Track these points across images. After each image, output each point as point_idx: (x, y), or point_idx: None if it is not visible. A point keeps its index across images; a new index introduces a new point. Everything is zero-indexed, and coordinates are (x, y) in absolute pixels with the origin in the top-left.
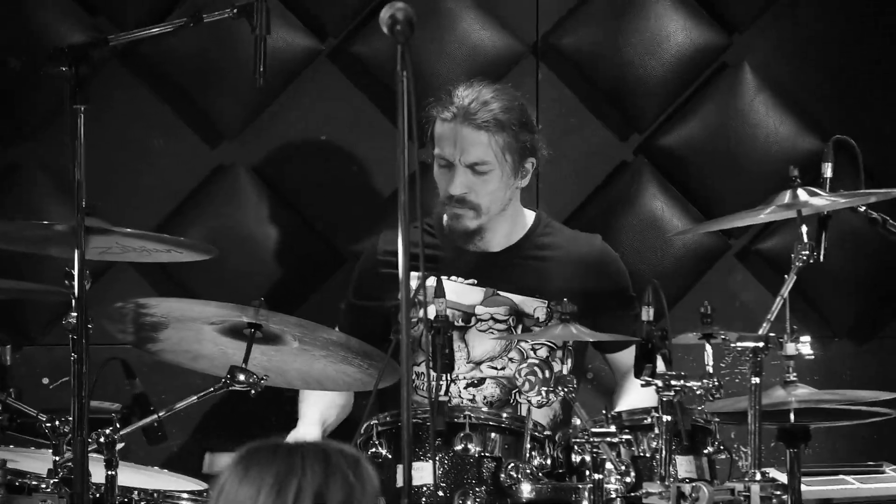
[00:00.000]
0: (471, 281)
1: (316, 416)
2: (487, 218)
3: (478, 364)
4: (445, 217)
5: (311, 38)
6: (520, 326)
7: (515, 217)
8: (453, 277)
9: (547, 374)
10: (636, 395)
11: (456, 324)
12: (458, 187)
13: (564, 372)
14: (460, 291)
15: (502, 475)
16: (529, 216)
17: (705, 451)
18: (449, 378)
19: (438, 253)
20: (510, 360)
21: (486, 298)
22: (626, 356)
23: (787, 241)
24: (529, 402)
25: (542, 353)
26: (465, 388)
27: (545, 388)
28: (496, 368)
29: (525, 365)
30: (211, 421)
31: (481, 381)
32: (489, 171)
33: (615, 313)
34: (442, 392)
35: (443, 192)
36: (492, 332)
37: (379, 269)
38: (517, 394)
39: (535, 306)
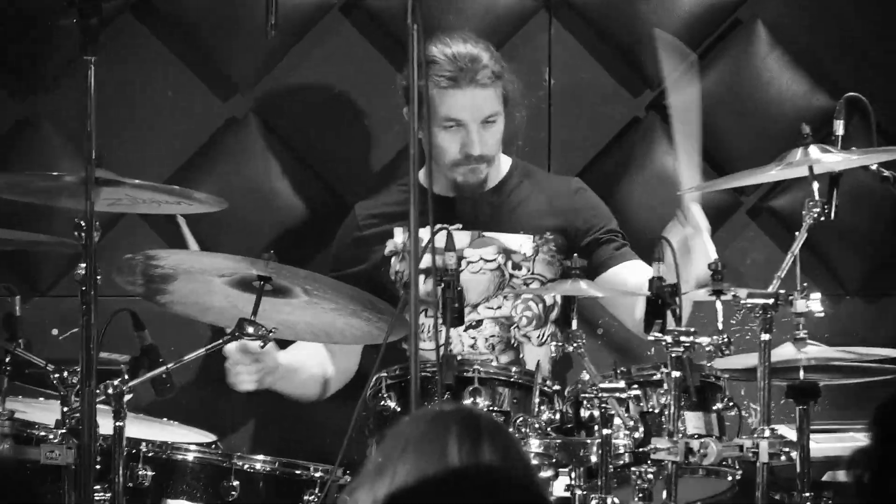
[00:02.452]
0: (456, 226)
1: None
2: (493, 163)
3: (474, 307)
4: (457, 176)
5: None
6: (509, 263)
7: (496, 163)
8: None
9: (541, 307)
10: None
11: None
12: (478, 146)
13: (574, 327)
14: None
15: (511, 429)
16: (506, 161)
17: (714, 408)
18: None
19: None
20: (504, 297)
21: (472, 241)
22: (611, 277)
23: (798, 198)
24: (529, 338)
25: (535, 286)
26: (464, 330)
27: (555, 343)
28: (493, 308)
29: (520, 301)
30: (220, 373)
31: (479, 322)
32: (496, 121)
33: (599, 246)
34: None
35: (455, 153)
36: (483, 273)
37: (358, 234)
38: (516, 329)
39: (520, 242)
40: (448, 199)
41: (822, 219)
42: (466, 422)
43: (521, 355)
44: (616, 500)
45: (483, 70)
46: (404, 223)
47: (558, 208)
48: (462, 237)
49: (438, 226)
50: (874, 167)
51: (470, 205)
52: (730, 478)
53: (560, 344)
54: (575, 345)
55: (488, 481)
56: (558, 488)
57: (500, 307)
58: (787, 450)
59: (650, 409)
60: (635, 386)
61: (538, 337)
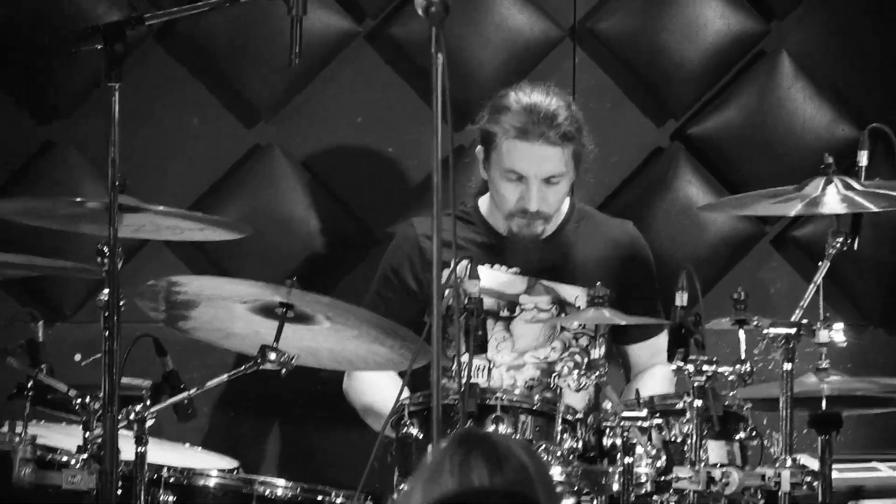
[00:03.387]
0: (514, 269)
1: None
2: (552, 219)
3: (521, 354)
4: (512, 226)
5: (348, 20)
6: (562, 315)
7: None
8: (496, 266)
9: (585, 360)
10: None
11: (501, 313)
12: (536, 202)
13: (596, 356)
14: (504, 280)
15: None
16: (564, 203)
17: (737, 437)
18: (491, 364)
19: (482, 239)
20: (552, 349)
21: (529, 287)
22: (644, 349)
23: (821, 228)
24: (569, 386)
25: (584, 341)
26: (506, 371)
27: (577, 372)
28: (539, 358)
29: (567, 354)
30: (241, 399)
31: (522, 365)
32: (559, 181)
33: (640, 301)
34: (483, 378)
35: (512, 205)
36: (536, 322)
37: (419, 251)
38: (556, 377)
39: (576, 294)
40: (505, 237)
41: (846, 249)
42: (487, 445)
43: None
44: None
45: (556, 128)
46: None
47: (613, 258)
48: (518, 282)
49: (460, 257)
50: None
51: (527, 249)
52: None
53: (582, 373)
54: (597, 374)
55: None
56: None
57: (546, 357)
58: (809, 479)
59: (672, 438)
60: (658, 415)
61: (575, 388)
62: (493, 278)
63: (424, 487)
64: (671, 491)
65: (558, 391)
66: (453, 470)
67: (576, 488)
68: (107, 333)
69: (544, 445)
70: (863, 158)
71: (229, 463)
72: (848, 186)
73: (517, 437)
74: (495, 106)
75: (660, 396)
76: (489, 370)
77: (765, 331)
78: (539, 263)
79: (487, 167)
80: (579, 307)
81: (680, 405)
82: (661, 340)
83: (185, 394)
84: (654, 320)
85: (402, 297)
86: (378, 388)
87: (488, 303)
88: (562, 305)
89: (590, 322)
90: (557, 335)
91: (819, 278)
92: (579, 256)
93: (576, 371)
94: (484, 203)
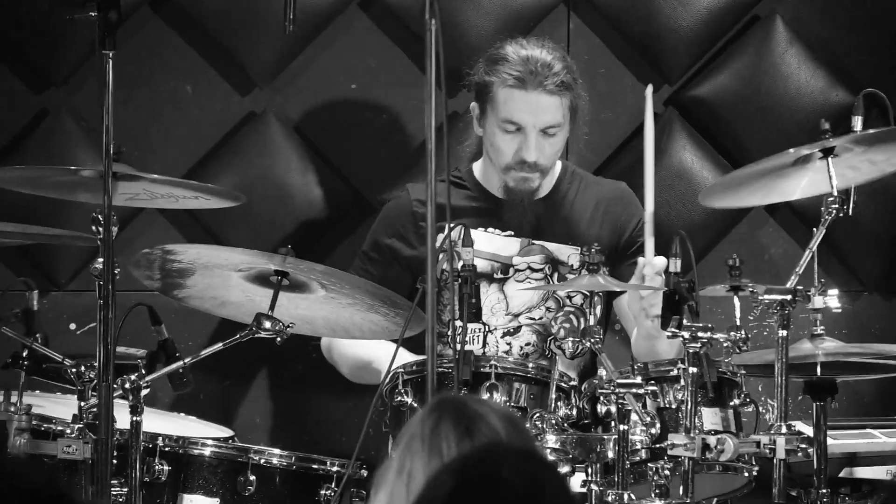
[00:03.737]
0: (508, 232)
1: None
2: (548, 174)
3: (516, 315)
4: (508, 180)
5: None
6: (556, 274)
7: (552, 170)
8: (490, 229)
9: (582, 321)
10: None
11: (495, 276)
12: (534, 153)
13: (591, 323)
14: (498, 243)
15: (528, 425)
16: (556, 165)
17: (731, 404)
18: (486, 328)
19: (477, 204)
20: (547, 309)
21: (522, 249)
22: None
23: None
24: (563, 350)
25: (578, 300)
26: (501, 336)
27: (572, 339)
28: (534, 318)
29: (561, 313)
30: (236, 369)
31: (517, 329)
32: (557, 132)
33: (627, 259)
34: (479, 344)
35: (510, 157)
36: (529, 282)
37: (412, 217)
38: (552, 341)
39: (569, 253)
40: (499, 200)
41: (841, 215)
42: (458, 411)
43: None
44: (632, 495)
45: (553, 77)
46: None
47: (606, 218)
48: (511, 244)
49: (455, 223)
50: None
51: (520, 211)
52: (746, 474)
53: (577, 340)
54: (592, 340)
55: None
56: (575, 484)
57: (541, 318)
58: (804, 446)
59: (667, 405)
60: (652, 382)
61: (570, 353)
62: (488, 242)
63: (403, 457)
64: (666, 458)
65: (553, 358)
66: (424, 437)
67: (570, 456)
68: (101, 302)
69: (539, 413)
70: (857, 124)
71: (224, 432)
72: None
73: (511, 404)
74: (492, 57)
75: (654, 363)
76: (485, 336)
77: (760, 297)
78: (532, 224)
79: (483, 122)
80: (572, 265)
81: (674, 372)
82: None
83: (179, 363)
84: (648, 286)
85: (390, 263)
86: (368, 343)
87: (482, 265)
88: (554, 265)
89: (584, 289)
90: (551, 295)
91: (814, 244)
92: (572, 216)
93: (570, 338)
94: (478, 168)
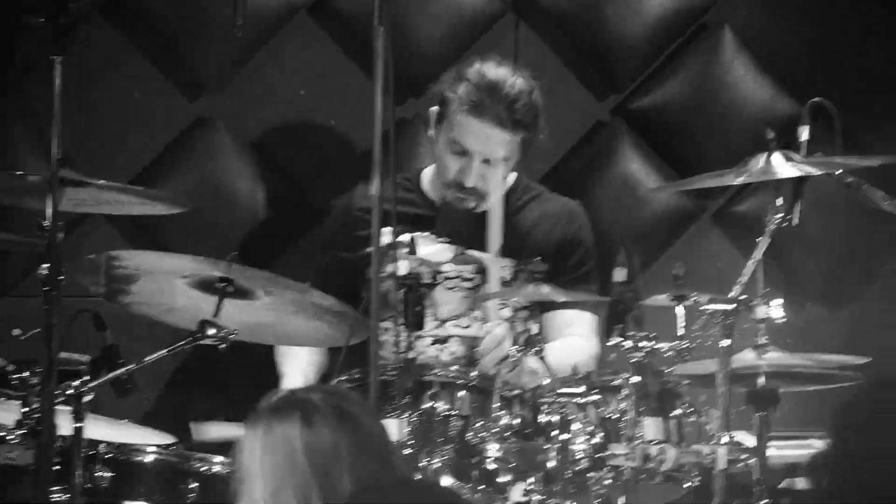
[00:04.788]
0: (444, 239)
1: (298, 371)
2: (487, 198)
3: (443, 322)
4: (447, 195)
5: None
6: (486, 285)
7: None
8: (426, 234)
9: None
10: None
11: (423, 280)
12: (473, 180)
13: (534, 332)
14: (432, 249)
15: (469, 433)
16: (510, 178)
17: (674, 414)
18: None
19: (417, 211)
20: (475, 318)
21: (455, 256)
22: (567, 316)
23: (762, 203)
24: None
25: (506, 312)
26: (430, 344)
27: (515, 347)
28: (461, 327)
29: (489, 324)
30: (183, 375)
31: (446, 339)
32: (504, 164)
33: (570, 265)
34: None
35: (451, 175)
36: (459, 290)
37: (353, 224)
38: (476, 353)
39: (502, 265)
40: (439, 209)
41: (786, 225)
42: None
43: None
44: None
45: (511, 112)
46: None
47: (552, 238)
48: (444, 252)
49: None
50: (838, 173)
51: (457, 221)
52: (687, 484)
53: (522, 348)
54: (537, 349)
55: None
56: (516, 493)
57: (468, 327)
58: (745, 456)
59: (609, 415)
60: (595, 391)
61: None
62: (422, 247)
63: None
64: (607, 467)
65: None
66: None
67: (512, 465)
68: (46, 308)
69: (481, 422)
70: (804, 133)
71: (166, 439)
72: (790, 160)
73: (453, 412)
74: (459, 73)
75: (597, 373)
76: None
77: (703, 307)
78: (469, 234)
79: (437, 130)
80: (504, 277)
81: (617, 381)
82: (580, 315)
83: (123, 369)
84: (591, 296)
85: (333, 268)
86: (289, 362)
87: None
88: (486, 275)
89: (528, 298)
90: (478, 305)
91: (759, 254)
92: (515, 230)
93: (513, 348)
94: (427, 174)
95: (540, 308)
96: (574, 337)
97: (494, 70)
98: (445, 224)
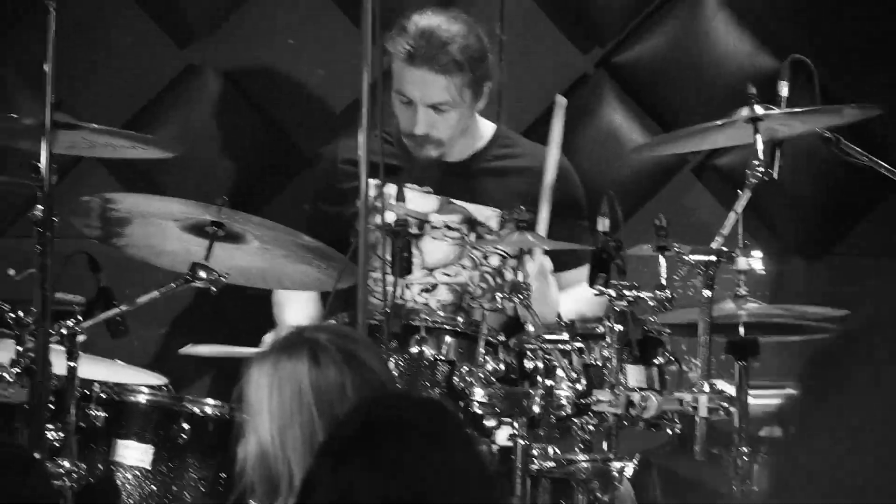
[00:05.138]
0: (426, 189)
1: (294, 318)
2: (449, 146)
3: (431, 270)
4: (408, 142)
5: None
6: (472, 234)
7: (473, 131)
8: (409, 185)
9: (498, 280)
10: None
11: (410, 230)
12: (422, 127)
13: (520, 279)
14: (416, 199)
15: (455, 378)
16: (489, 129)
17: (655, 362)
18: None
19: (397, 163)
20: (463, 266)
21: (440, 206)
22: (572, 276)
23: (742, 157)
24: (481, 306)
25: (494, 260)
26: (418, 293)
27: (500, 294)
28: (449, 275)
29: (476, 273)
30: (173, 317)
31: (434, 286)
32: (449, 109)
33: (566, 223)
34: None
35: (404, 127)
36: (445, 239)
37: (339, 177)
38: (469, 298)
39: (488, 215)
40: (418, 160)
41: (766, 178)
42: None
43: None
44: (557, 450)
45: (443, 55)
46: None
47: (533, 181)
48: (430, 201)
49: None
50: (818, 129)
51: (442, 169)
52: (669, 431)
53: (505, 295)
54: (521, 296)
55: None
56: (501, 437)
57: (456, 274)
58: (725, 405)
59: (593, 362)
60: (578, 339)
61: (490, 307)
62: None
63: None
64: (591, 414)
65: (472, 312)
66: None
67: (497, 410)
68: (40, 249)
69: (467, 367)
70: (783, 89)
71: (158, 379)
72: (770, 112)
73: (439, 357)
74: (398, 25)
75: (580, 320)
76: (401, 290)
77: (685, 257)
78: (453, 183)
79: (387, 85)
80: (491, 227)
81: (600, 329)
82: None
83: (116, 310)
84: (575, 245)
85: (321, 220)
86: (290, 304)
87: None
88: (472, 225)
89: (513, 246)
90: (466, 253)
91: (739, 207)
92: (497, 180)
93: (498, 294)
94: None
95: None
96: (581, 287)
97: (429, 18)
98: (429, 173)
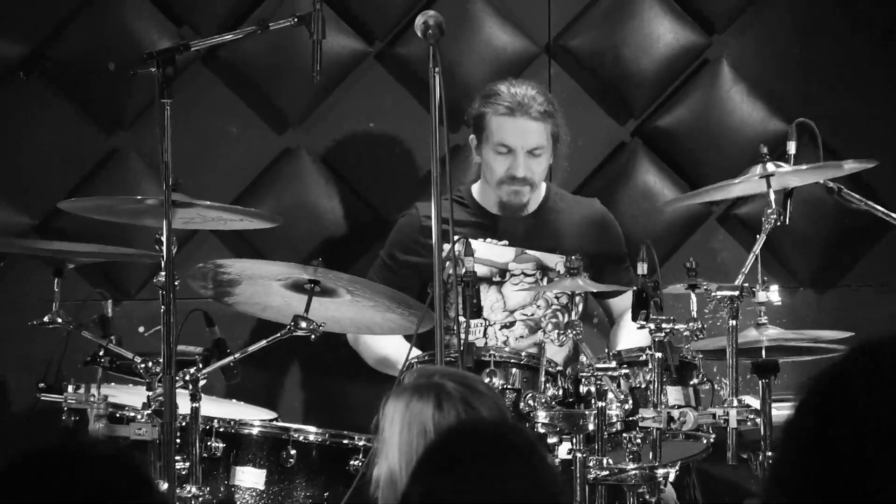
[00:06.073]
0: (503, 242)
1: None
2: (536, 190)
3: (511, 312)
4: (502, 194)
5: (360, 42)
6: (545, 279)
7: (540, 185)
8: (489, 240)
9: (566, 316)
10: (630, 333)
11: (493, 279)
12: (522, 170)
13: (573, 318)
14: (495, 252)
15: (522, 404)
16: (543, 186)
17: (691, 383)
18: (486, 323)
19: (472, 219)
20: (538, 307)
21: (516, 256)
22: (620, 301)
23: (759, 206)
24: (552, 340)
25: (563, 300)
26: (499, 329)
27: (558, 331)
28: (527, 315)
29: (549, 310)
30: (279, 361)
31: (512, 323)
32: (542, 154)
33: (611, 267)
34: (480, 335)
35: (502, 174)
36: (523, 285)
37: (421, 231)
38: (543, 332)
39: (555, 261)
40: (495, 216)
41: (779, 224)
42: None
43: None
44: (610, 461)
45: (536, 106)
46: (458, 234)
47: (584, 230)
48: (507, 253)
49: (458, 236)
50: (822, 181)
51: (513, 224)
52: (705, 441)
53: (562, 332)
54: (574, 332)
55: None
56: (562, 452)
57: (532, 314)
58: (752, 416)
59: (638, 385)
60: (625, 366)
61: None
62: (486, 250)
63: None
64: (638, 429)
65: (542, 347)
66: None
67: (558, 429)
68: (164, 309)
69: (531, 394)
70: (791, 148)
71: (268, 414)
72: (780, 168)
73: (507, 387)
74: (485, 94)
75: (626, 350)
76: (485, 329)
77: (713, 293)
78: (524, 236)
79: (480, 149)
80: (559, 272)
81: (643, 357)
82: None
83: (230, 358)
84: (619, 287)
85: (403, 271)
86: (387, 342)
87: (483, 271)
88: (544, 270)
89: (567, 289)
90: (541, 295)
91: (757, 248)
92: (558, 229)
93: (556, 331)
94: (476, 189)
95: (601, 295)
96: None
97: (513, 83)
98: (502, 228)
